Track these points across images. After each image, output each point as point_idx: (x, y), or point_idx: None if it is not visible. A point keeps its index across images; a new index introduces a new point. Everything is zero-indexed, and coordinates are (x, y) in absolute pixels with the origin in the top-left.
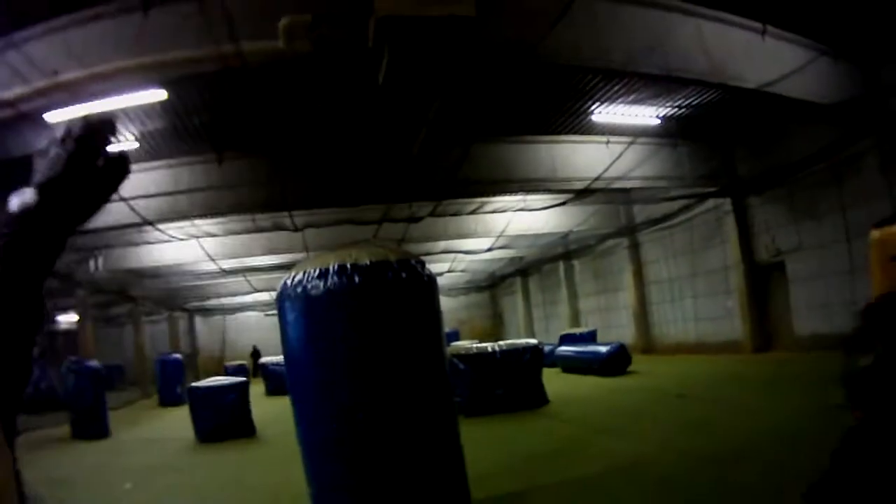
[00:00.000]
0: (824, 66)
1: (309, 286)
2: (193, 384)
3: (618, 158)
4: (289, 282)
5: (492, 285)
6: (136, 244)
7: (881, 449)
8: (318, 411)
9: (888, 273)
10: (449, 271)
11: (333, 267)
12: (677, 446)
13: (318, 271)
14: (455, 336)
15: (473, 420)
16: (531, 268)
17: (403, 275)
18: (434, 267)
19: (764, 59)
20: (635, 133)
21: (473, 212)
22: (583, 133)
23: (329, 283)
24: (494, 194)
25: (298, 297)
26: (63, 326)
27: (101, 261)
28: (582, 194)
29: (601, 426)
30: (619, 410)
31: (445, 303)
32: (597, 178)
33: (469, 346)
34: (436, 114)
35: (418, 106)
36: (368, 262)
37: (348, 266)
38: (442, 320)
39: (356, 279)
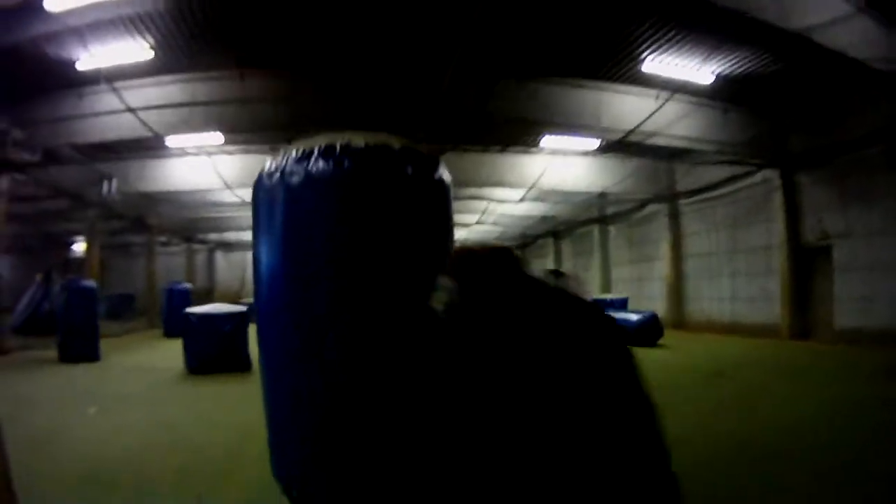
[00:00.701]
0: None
1: (288, 172)
2: (189, 309)
3: (662, 105)
4: (265, 170)
5: (523, 245)
6: (151, 166)
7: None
8: (284, 327)
9: None
10: (478, 223)
11: (319, 149)
12: (716, 429)
13: (299, 154)
14: None
15: None
16: (564, 230)
17: (408, 168)
18: (461, 217)
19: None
20: (687, 91)
21: (502, 150)
22: (632, 83)
23: (312, 168)
24: (532, 135)
25: (274, 187)
26: (77, 254)
27: (114, 183)
28: (621, 146)
29: None
30: (652, 384)
31: None
32: (638, 126)
33: None
34: (475, 37)
35: (457, 27)
36: (364, 146)
37: (337, 148)
38: (453, 239)
39: (346, 164)
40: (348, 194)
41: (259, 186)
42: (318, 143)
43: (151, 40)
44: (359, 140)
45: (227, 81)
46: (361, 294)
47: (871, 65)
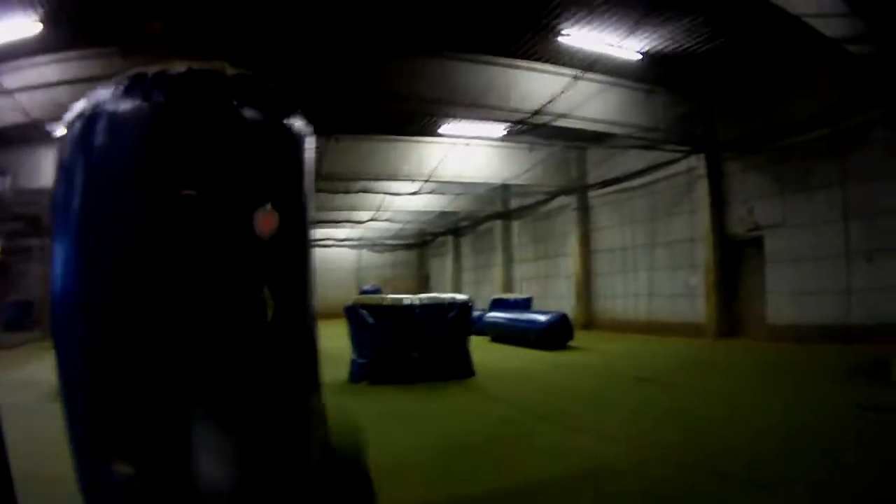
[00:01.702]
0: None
1: (91, 113)
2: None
3: (577, 81)
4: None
5: (422, 244)
6: (45, 158)
7: None
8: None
9: None
10: (373, 220)
11: (125, 81)
12: (653, 443)
13: (101, 92)
14: (376, 293)
15: (381, 388)
16: (465, 227)
17: (244, 109)
18: (356, 215)
19: None
20: (608, 69)
21: (398, 137)
22: (547, 60)
23: (116, 105)
24: (433, 120)
25: (75, 136)
26: None
27: (7, 179)
28: (532, 130)
29: (546, 410)
30: (567, 392)
31: (370, 258)
32: (549, 104)
33: (383, 296)
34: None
35: None
36: (183, 72)
37: (148, 78)
38: (309, 218)
39: (157, 97)
40: (159, 138)
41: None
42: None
43: (35, 15)
44: (179, 66)
45: (110, 59)
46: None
47: (825, 33)
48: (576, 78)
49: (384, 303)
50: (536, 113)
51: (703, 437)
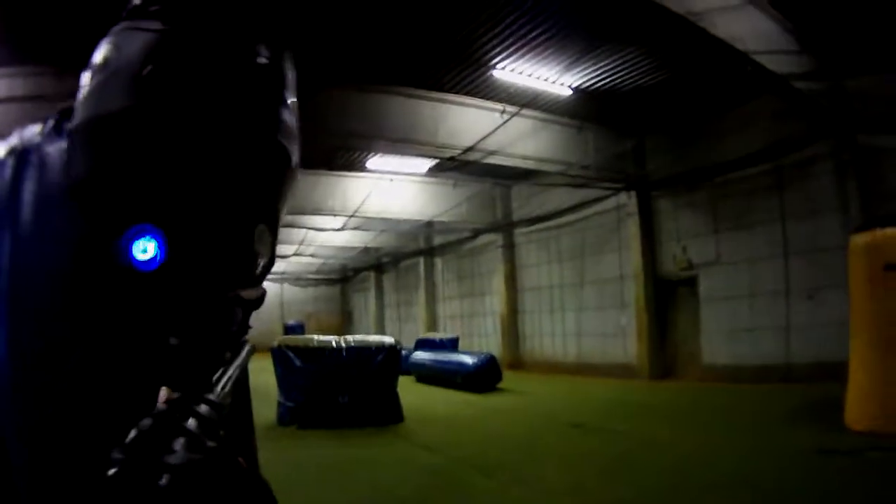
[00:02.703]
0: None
1: (20, 151)
2: None
3: (509, 119)
4: None
5: (344, 279)
6: None
7: None
8: None
9: (878, 285)
10: (296, 254)
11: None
12: (601, 498)
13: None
14: (301, 329)
15: (307, 434)
16: (387, 263)
17: None
18: (279, 249)
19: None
20: (539, 105)
21: (324, 171)
22: (477, 94)
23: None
24: (358, 153)
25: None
26: None
27: None
28: (459, 167)
29: (481, 461)
30: (501, 439)
31: (292, 293)
32: (479, 142)
33: (310, 338)
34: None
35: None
36: None
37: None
38: None
39: None
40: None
41: None
42: None
43: None
44: None
45: (47, 77)
46: None
47: (773, 70)
48: (505, 113)
49: (311, 345)
50: (468, 150)
51: (654, 491)
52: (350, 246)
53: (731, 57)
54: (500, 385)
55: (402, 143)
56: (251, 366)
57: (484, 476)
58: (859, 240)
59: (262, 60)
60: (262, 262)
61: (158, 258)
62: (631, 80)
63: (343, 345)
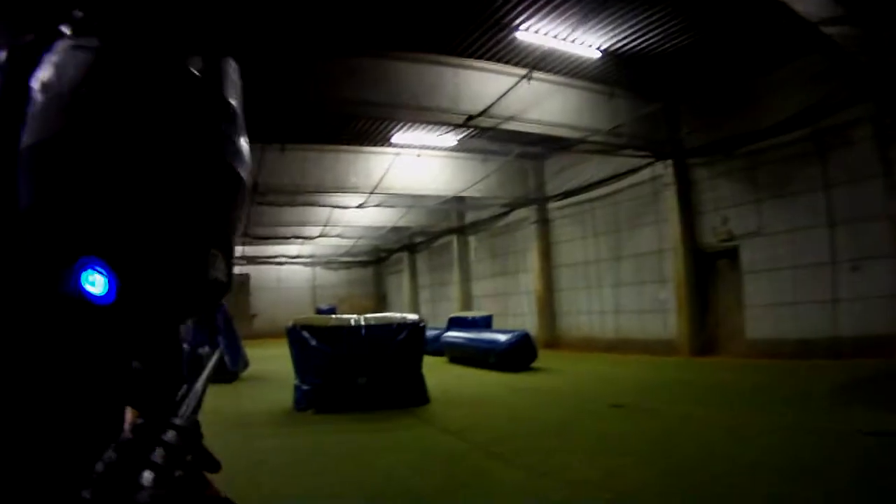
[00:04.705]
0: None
1: None
2: None
3: (531, 79)
4: None
5: (377, 261)
6: None
7: None
8: None
9: None
10: (322, 235)
11: None
12: (637, 487)
13: None
14: (333, 313)
15: (324, 418)
16: (420, 243)
17: None
18: (305, 230)
19: None
20: (568, 69)
21: (343, 147)
22: (499, 59)
23: None
24: (379, 126)
25: None
26: None
27: None
28: (483, 134)
29: (507, 447)
30: (532, 423)
31: (324, 276)
32: (496, 103)
33: (326, 316)
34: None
35: None
36: None
37: None
38: None
39: None
40: None
41: None
42: None
43: None
44: None
45: None
46: None
47: (809, 18)
48: (529, 78)
49: (328, 324)
50: (485, 112)
51: (697, 482)
52: (377, 225)
53: (768, 14)
54: (535, 364)
55: (423, 111)
56: (271, 351)
57: (507, 465)
58: None
59: (205, 76)
60: (216, 287)
61: (109, 291)
62: (662, 43)
63: (361, 323)
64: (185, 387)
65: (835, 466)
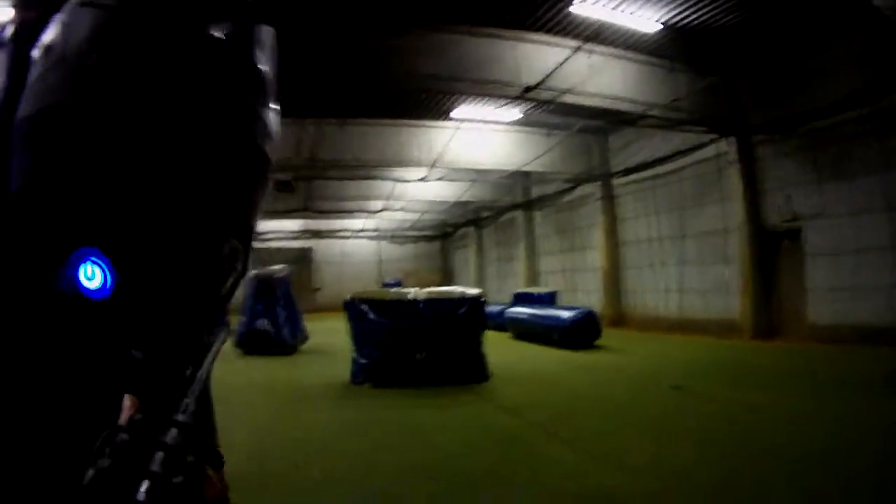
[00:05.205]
0: None
1: None
2: None
3: (590, 53)
4: None
5: (443, 235)
6: None
7: None
8: None
9: None
10: (384, 209)
11: None
12: (693, 478)
13: None
14: (398, 286)
15: (380, 393)
16: (486, 217)
17: None
18: (368, 204)
19: None
20: (627, 42)
21: (404, 120)
22: (559, 33)
23: None
24: (442, 97)
25: None
26: None
27: None
28: (544, 108)
29: (563, 427)
30: (591, 402)
31: (390, 251)
32: (557, 74)
33: (385, 290)
34: None
35: None
36: None
37: None
38: None
39: None
40: None
41: None
42: None
43: None
44: None
45: None
46: None
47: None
48: (589, 52)
49: (387, 297)
50: (541, 83)
51: (760, 477)
52: (441, 200)
53: None
54: (599, 342)
55: (482, 84)
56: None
57: (562, 446)
58: None
59: (233, 41)
60: (232, 280)
61: (108, 286)
62: (721, 17)
63: (421, 297)
64: (189, 370)
65: (886, 459)
